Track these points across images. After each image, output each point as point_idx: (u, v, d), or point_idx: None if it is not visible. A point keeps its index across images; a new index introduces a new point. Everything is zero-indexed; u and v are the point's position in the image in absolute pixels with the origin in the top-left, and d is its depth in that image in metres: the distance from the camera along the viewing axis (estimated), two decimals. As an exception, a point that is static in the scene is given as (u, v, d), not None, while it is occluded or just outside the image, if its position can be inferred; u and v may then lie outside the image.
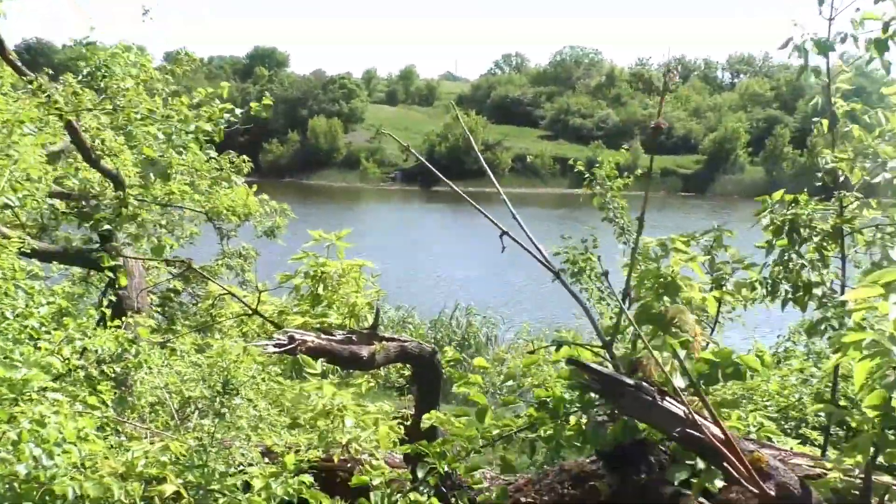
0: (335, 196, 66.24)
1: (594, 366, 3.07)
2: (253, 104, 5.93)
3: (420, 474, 3.18)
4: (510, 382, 5.71)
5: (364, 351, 3.54)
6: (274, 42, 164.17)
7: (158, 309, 8.47)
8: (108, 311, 4.74)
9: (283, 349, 3.32)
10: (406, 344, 3.76)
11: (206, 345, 7.12)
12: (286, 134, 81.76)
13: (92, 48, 6.05)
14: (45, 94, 5.27)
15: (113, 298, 4.64)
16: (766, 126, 77.88)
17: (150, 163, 6.43)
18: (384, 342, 3.64)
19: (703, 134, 79.54)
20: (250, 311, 4.96)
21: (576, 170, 9.00)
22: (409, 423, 3.93)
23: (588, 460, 3.40)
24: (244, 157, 8.31)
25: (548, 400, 3.38)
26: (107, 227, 6.08)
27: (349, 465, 3.79)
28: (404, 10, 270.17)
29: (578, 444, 3.33)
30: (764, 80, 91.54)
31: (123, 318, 5.15)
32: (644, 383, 3.01)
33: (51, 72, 5.87)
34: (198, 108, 6.53)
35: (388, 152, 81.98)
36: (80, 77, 6.03)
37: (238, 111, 6.34)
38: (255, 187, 8.61)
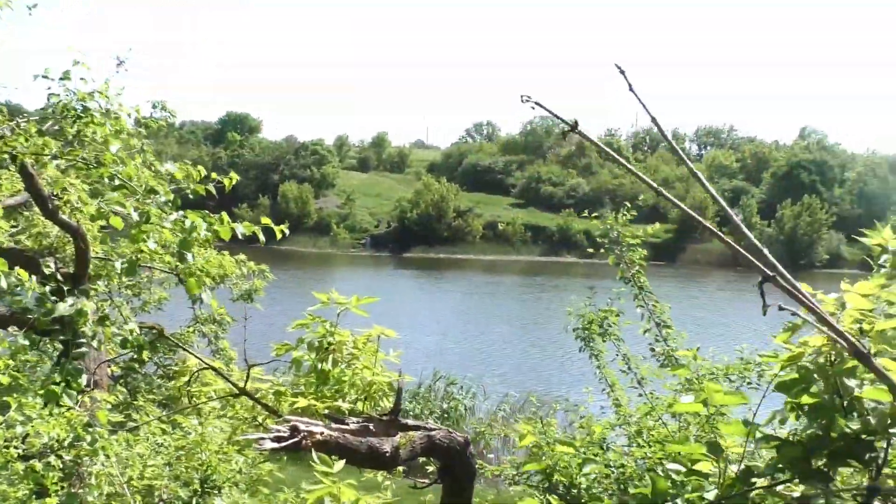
0: (306, 262, 65.30)
1: None
2: (226, 180, 5.24)
3: None
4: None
5: (386, 445, 2.79)
6: (246, 108, 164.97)
7: (120, 382, 7.62)
8: (59, 388, 3.93)
9: (284, 444, 2.56)
10: (433, 433, 3.01)
11: (174, 423, 6.27)
12: (256, 199, 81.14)
13: (67, 74, 5.37)
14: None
15: (66, 378, 3.83)
16: (733, 196, 79.21)
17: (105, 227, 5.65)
18: (408, 431, 2.89)
19: (671, 204, 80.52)
20: (237, 391, 4.18)
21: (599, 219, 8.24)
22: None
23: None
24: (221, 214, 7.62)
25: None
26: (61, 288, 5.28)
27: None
28: (376, 78, 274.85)
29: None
30: (729, 152, 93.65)
31: (78, 396, 4.32)
32: None
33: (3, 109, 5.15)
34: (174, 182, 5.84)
35: (358, 218, 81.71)
36: (50, 114, 5.32)
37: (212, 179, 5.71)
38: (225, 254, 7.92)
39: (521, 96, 1.73)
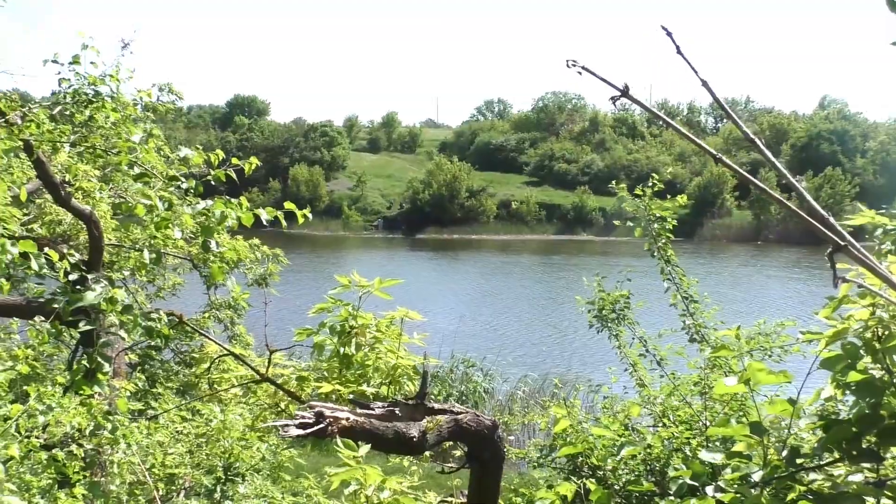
0: (319, 245, 65.47)
1: None
2: (246, 164, 5.19)
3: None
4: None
5: (413, 429, 2.75)
6: (254, 91, 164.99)
7: (137, 370, 7.63)
8: (79, 377, 3.91)
9: (309, 430, 2.52)
10: (460, 416, 2.96)
11: (193, 409, 6.27)
12: (267, 183, 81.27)
13: (77, 58, 5.34)
14: (4, 120, 4.51)
15: (85, 363, 3.81)
16: (751, 170, 78.41)
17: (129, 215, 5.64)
18: (435, 415, 2.85)
19: (688, 178, 79.87)
20: (259, 378, 4.15)
21: (618, 194, 8.11)
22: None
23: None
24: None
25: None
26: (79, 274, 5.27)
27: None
28: (385, 57, 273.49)
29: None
30: (747, 123, 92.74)
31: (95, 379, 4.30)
32: None
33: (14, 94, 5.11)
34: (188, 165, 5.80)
35: (370, 199, 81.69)
36: (61, 97, 5.29)
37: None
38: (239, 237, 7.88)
39: (567, 61, 1.66)
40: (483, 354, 22.56)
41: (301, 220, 4.56)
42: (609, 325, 7.80)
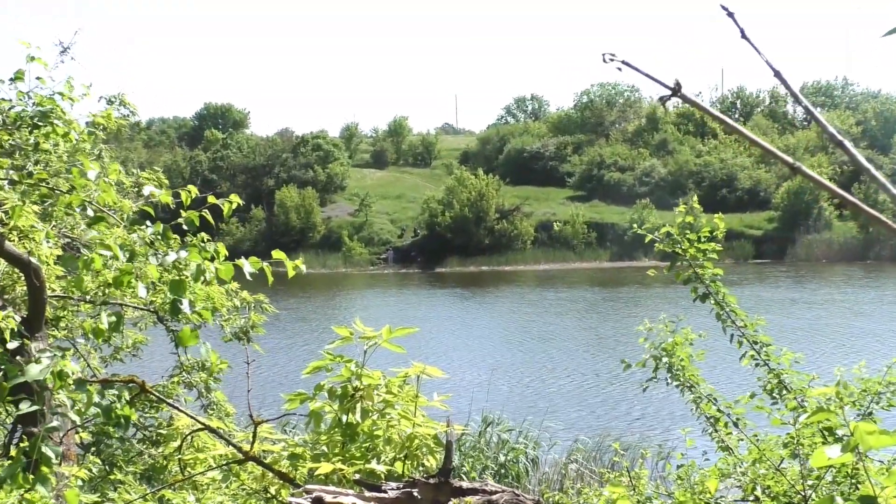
0: (314, 286, 65.75)
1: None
2: (225, 205, 5.30)
3: None
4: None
5: (434, 516, 2.74)
6: (228, 99, 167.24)
7: (91, 451, 7.66)
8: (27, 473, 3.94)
9: (305, 523, 2.51)
10: (495, 497, 2.95)
11: (162, 499, 6.27)
12: (248, 211, 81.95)
13: (20, 74, 5.47)
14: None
15: (25, 452, 3.84)
16: (854, 170, 78.02)
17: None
18: (463, 496, 2.83)
19: (774, 185, 79.54)
20: (243, 457, 4.15)
21: (647, 239, 8.34)
22: None
23: None
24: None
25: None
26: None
27: None
28: (389, 51, 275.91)
29: None
30: (847, 112, 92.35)
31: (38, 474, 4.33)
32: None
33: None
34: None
35: (376, 227, 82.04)
36: None
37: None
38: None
39: (604, 55, 1.67)
40: (522, 415, 22.45)
41: (292, 273, 4.61)
42: (677, 374, 7.84)
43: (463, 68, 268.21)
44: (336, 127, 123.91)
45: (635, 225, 8.78)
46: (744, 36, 1.69)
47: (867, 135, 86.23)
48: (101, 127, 7.78)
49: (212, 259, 4.57)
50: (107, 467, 7.78)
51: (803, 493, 5.50)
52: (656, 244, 8.24)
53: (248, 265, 4.62)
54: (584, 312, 50.75)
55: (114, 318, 4.95)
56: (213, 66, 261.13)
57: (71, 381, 3.97)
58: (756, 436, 7.10)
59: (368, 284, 69.44)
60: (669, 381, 7.94)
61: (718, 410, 7.62)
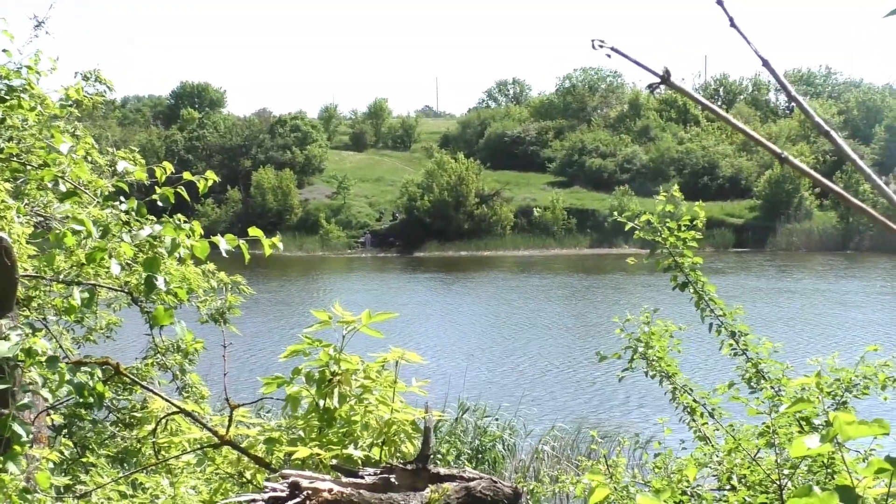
0: (290, 269, 65.61)
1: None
2: (200, 181, 5.27)
3: None
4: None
5: (413, 501, 2.76)
6: (205, 77, 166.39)
7: (63, 434, 7.63)
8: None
9: (282, 507, 2.52)
10: (472, 483, 2.97)
11: (135, 482, 6.26)
12: (224, 192, 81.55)
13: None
14: None
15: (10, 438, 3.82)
16: (836, 160, 78.53)
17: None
18: (440, 483, 2.85)
19: (756, 173, 79.97)
20: (218, 441, 4.15)
21: (627, 227, 8.38)
22: None
23: None
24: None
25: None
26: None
27: None
28: (368, 31, 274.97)
29: None
30: (828, 102, 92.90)
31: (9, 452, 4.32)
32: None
33: None
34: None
35: (354, 210, 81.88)
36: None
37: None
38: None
39: (593, 41, 1.67)
40: (499, 402, 22.57)
41: (269, 252, 4.59)
42: (653, 364, 7.94)
43: (444, 51, 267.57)
44: (315, 108, 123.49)
45: (615, 213, 8.83)
46: (733, 24, 1.70)
47: (849, 124, 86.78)
48: (74, 102, 7.71)
49: (187, 237, 4.56)
50: (79, 450, 7.76)
51: (779, 483, 5.56)
52: (636, 232, 8.29)
53: (224, 242, 4.61)
54: (565, 299, 50.96)
55: (86, 295, 4.93)
56: (190, 43, 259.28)
57: (42, 358, 3.95)
58: (732, 426, 7.17)
59: (347, 268, 69.38)
60: (647, 371, 8.02)
61: (694, 401, 7.71)
